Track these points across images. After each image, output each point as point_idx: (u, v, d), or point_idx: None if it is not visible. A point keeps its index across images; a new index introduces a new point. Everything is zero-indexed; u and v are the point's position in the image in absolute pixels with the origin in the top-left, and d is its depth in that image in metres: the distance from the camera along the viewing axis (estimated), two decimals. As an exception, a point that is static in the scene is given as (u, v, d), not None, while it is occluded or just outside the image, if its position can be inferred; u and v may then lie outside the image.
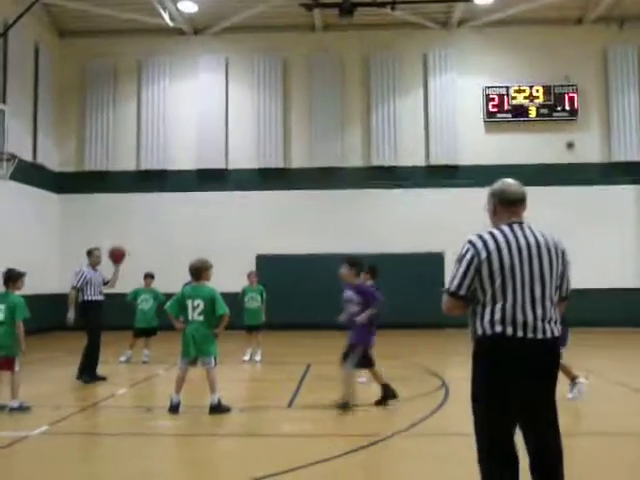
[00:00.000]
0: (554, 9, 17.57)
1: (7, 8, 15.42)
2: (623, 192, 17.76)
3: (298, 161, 18.32)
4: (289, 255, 17.44)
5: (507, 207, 3.37)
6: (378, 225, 17.57)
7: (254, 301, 11.38)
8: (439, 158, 18.04)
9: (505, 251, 3.20)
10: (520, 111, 18.00)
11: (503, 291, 3.18)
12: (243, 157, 18.26)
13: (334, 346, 13.56)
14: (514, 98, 18.00)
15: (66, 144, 18.73)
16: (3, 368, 6.97)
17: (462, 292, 3.23)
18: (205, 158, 18.29)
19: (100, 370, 9.24)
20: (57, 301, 14.29)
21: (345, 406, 6.86)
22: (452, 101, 18.12)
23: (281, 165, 18.24)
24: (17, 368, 6.98)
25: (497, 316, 3.18)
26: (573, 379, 7.37)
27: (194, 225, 17.84)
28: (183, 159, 18.36)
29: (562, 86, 17.91)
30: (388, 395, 7.14)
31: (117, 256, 9.41)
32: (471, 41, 18.31)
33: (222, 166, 18.31)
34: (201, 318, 6.96)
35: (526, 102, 17.98)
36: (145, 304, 11.28)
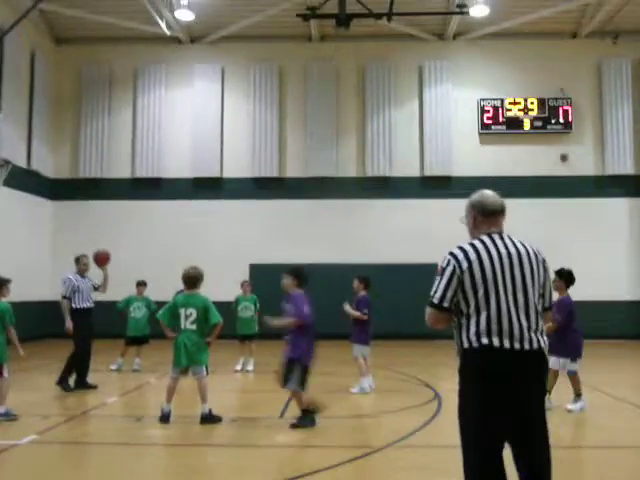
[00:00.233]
0: (549, 22, 17.72)
1: (3, 14, 15.43)
2: (617, 205, 17.84)
3: (293, 171, 18.33)
4: (283, 265, 17.22)
5: (487, 218, 3.36)
6: (372, 235, 17.57)
7: (247, 310, 11.32)
8: (434, 169, 18.09)
9: (487, 261, 3.19)
10: (514, 123, 18.09)
11: (487, 301, 3.16)
12: (238, 166, 18.26)
13: (327, 356, 13.51)
14: (509, 110, 18.09)
15: (61, 151, 18.69)
16: None
17: (446, 304, 3.21)
18: (200, 167, 18.27)
19: (91, 378, 9.16)
20: (49, 308, 14.21)
21: (313, 412, 6.65)
22: (447, 112, 18.19)
23: (276, 174, 18.25)
24: (5, 374, 6.92)
25: (482, 327, 3.14)
26: (579, 394, 7.39)
27: (188, 233, 17.80)
28: (178, 167, 18.35)
29: (556, 99, 18.02)
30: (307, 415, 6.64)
31: (101, 259, 9.30)
32: (466, 53, 18.41)
33: (217, 175, 18.30)
34: (194, 327, 6.92)
35: (521, 114, 18.08)
36: (137, 312, 11.22)
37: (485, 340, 3.12)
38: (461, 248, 3.26)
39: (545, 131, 18.09)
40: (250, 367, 11.14)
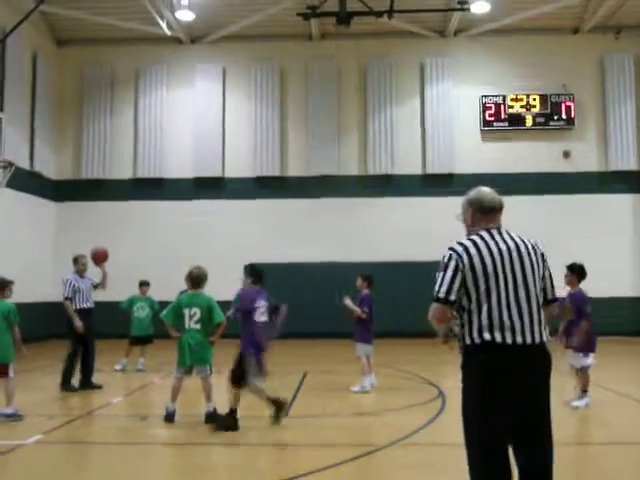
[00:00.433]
0: (551, 18, 17.67)
1: (5, 16, 15.45)
2: (620, 201, 17.79)
3: (295, 169, 18.33)
4: (285, 263, 17.39)
5: (485, 215, 3.37)
6: (374, 233, 17.56)
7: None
8: (435, 166, 18.07)
9: (487, 256, 3.19)
10: (517, 120, 18.06)
11: (488, 296, 3.16)
12: (240, 165, 18.27)
13: (330, 354, 13.54)
14: (511, 107, 18.05)
15: (63, 152, 18.72)
16: None
17: (452, 297, 3.18)
18: (202, 166, 18.29)
19: (95, 378, 9.19)
20: (53, 309, 14.24)
21: (279, 410, 6.59)
22: (449, 110, 18.17)
23: (278, 173, 18.25)
24: (12, 374, 6.94)
25: (484, 322, 3.14)
26: (585, 390, 7.45)
27: (190, 233, 17.81)
28: (180, 167, 18.36)
29: (559, 95, 17.97)
30: (231, 425, 6.47)
31: (99, 257, 9.30)
32: (468, 50, 18.38)
33: (219, 174, 18.31)
34: (198, 326, 6.93)
35: (523, 111, 18.04)
36: (141, 312, 11.24)
37: (487, 336, 3.12)
38: (461, 244, 3.27)
39: (547, 127, 18.05)
40: (254, 366, 11.13)
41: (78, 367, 9.09)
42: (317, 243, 17.49)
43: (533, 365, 3.17)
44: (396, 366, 11.30)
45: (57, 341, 10.34)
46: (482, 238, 3.27)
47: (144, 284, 11.56)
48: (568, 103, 17.96)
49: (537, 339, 3.16)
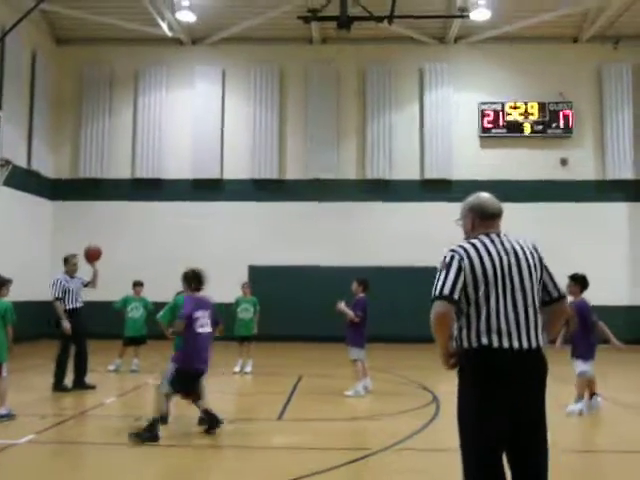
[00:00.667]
0: (550, 27, 17.75)
1: (4, 14, 15.44)
2: (617, 209, 17.85)
3: (293, 173, 18.34)
4: (282, 266, 17.41)
5: (485, 221, 3.38)
6: (372, 238, 17.57)
7: (247, 312, 11.33)
8: (434, 172, 18.10)
9: (487, 259, 3.20)
10: (515, 127, 18.11)
11: (487, 299, 3.16)
12: (238, 168, 18.27)
13: (326, 358, 13.53)
14: (509, 114, 18.11)
15: (61, 151, 18.69)
16: None
17: (456, 296, 3.15)
18: (200, 168, 18.28)
19: (89, 378, 9.16)
20: (48, 308, 14.18)
21: (154, 424, 6.19)
22: (447, 116, 18.21)
23: (276, 176, 18.25)
24: (4, 374, 6.90)
25: (482, 327, 3.14)
26: (581, 396, 7.54)
27: (187, 234, 17.79)
28: (178, 168, 18.35)
29: (557, 103, 18.04)
30: (151, 436, 6.11)
31: (92, 255, 9.28)
32: (467, 57, 18.44)
33: (217, 176, 18.30)
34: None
35: (521, 118, 18.10)
36: (135, 312, 11.22)
37: (485, 340, 3.12)
38: (461, 246, 3.27)
39: (545, 135, 18.11)
40: (248, 369, 11.14)
41: (71, 367, 9.06)
42: (315, 247, 17.49)
43: (529, 370, 3.17)
44: (393, 371, 11.30)
45: (50, 341, 10.30)
46: (482, 242, 3.27)
47: (138, 284, 11.53)
48: (566, 111, 18.03)
49: (534, 344, 3.16)
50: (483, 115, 18.16)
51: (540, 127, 18.08)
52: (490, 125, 18.15)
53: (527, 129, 18.09)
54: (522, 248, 3.29)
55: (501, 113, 18.14)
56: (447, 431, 6.32)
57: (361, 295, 9.00)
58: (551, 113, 18.05)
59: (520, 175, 17.67)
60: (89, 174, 18.42)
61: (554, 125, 18.05)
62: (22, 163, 16.53)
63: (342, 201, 17.98)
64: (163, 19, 17.03)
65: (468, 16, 16.04)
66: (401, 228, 17.54)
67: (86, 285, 9.41)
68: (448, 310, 3.15)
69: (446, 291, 3.15)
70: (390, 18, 15.19)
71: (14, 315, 7.02)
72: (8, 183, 14.63)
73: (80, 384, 8.98)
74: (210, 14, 17.24)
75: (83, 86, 18.68)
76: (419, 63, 18.48)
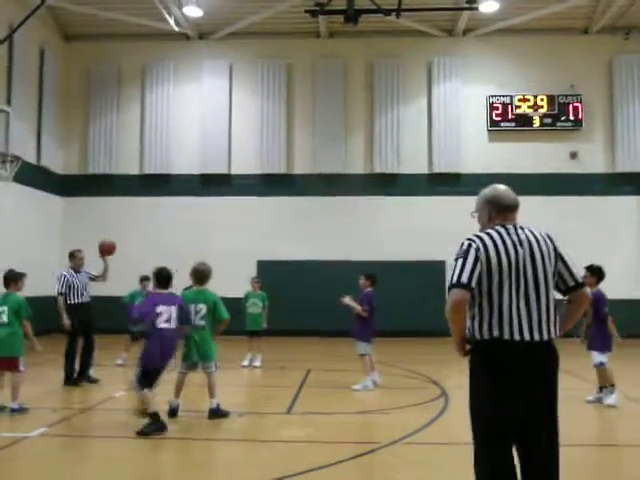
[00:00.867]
0: (559, 18, 17.60)
1: (12, 11, 15.49)
2: (627, 203, 17.71)
3: (301, 167, 18.32)
4: (291, 261, 17.42)
5: (502, 213, 3.38)
6: (380, 232, 17.54)
7: (255, 307, 11.37)
8: (442, 166, 18.03)
9: (502, 249, 3.20)
10: (524, 120, 17.99)
11: (500, 290, 3.16)
12: (246, 162, 18.27)
13: (334, 352, 13.54)
14: (518, 107, 17.99)
15: (70, 147, 18.76)
16: (6, 368, 6.97)
17: (473, 284, 3.15)
18: (208, 163, 18.30)
19: (96, 373, 9.23)
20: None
21: (156, 418, 6.23)
22: (456, 109, 18.12)
23: (284, 171, 18.24)
24: (22, 368, 6.99)
25: (495, 318, 3.14)
26: (603, 387, 7.65)
27: (196, 229, 17.83)
28: (186, 164, 18.38)
29: (566, 96, 17.90)
30: (158, 427, 6.16)
31: (105, 250, 9.32)
32: (476, 50, 18.33)
33: (225, 171, 18.32)
34: (203, 322, 6.94)
35: (530, 111, 17.97)
36: (142, 307, 11.23)
37: (496, 332, 3.13)
38: (478, 236, 3.27)
39: (555, 128, 17.98)
40: (257, 363, 11.17)
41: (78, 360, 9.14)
42: (323, 241, 17.50)
43: (540, 362, 3.16)
44: (401, 365, 11.29)
45: (58, 335, 10.39)
46: (498, 232, 3.27)
47: (145, 279, 11.54)
48: (576, 104, 17.89)
49: (545, 336, 3.16)
50: (492, 108, 18.05)
51: (549, 120, 17.95)
52: (499, 118, 18.04)
53: (536, 122, 17.97)
54: (536, 238, 3.28)
55: (510, 106, 18.02)
56: (456, 424, 6.33)
57: (369, 290, 8.99)
58: (560, 106, 17.91)
59: (529, 168, 17.56)
60: (98, 170, 18.48)
61: (563, 118, 17.92)
62: (31, 159, 16.61)
63: (350, 195, 17.95)
64: (170, 14, 17.03)
65: (477, 8, 15.94)
66: (409, 222, 17.50)
67: (94, 279, 9.47)
68: (465, 298, 3.14)
69: (464, 279, 3.14)
70: (398, 11, 15.11)
71: (29, 309, 7.09)
72: (18, 179, 14.69)
73: (83, 377, 9.05)
74: (217, 9, 17.21)
75: (91, 82, 18.72)
76: (427, 56, 18.38)
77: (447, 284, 3.23)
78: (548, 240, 3.32)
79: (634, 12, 17.13)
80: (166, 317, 6.48)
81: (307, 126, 18.37)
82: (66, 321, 8.97)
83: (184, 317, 6.63)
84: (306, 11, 15.41)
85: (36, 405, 7.23)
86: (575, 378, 9.10)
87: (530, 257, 3.21)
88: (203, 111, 18.41)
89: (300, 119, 18.47)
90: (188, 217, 17.99)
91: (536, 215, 15.72)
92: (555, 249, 3.31)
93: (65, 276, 9.17)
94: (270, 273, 16.22)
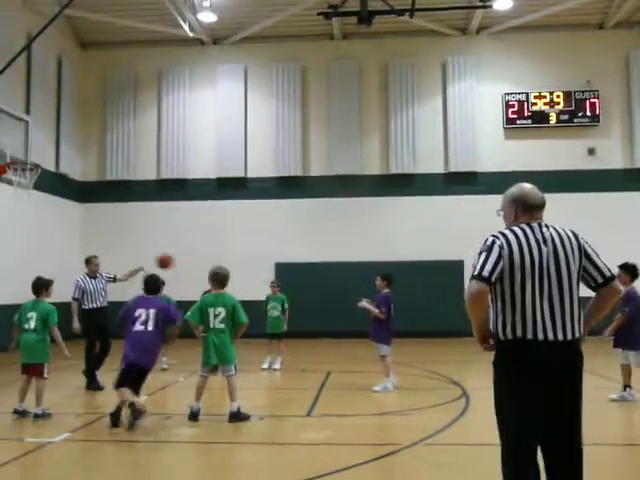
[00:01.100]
0: (574, 14, 17.45)
1: (30, 21, 15.72)
2: (646, 198, 17.50)
3: (317, 169, 18.35)
4: (308, 263, 17.44)
5: (528, 211, 3.36)
6: (397, 233, 17.50)
7: (275, 310, 11.42)
8: (458, 165, 17.95)
9: (525, 247, 3.18)
10: (540, 117, 17.86)
11: (522, 288, 3.14)
12: (262, 165, 18.34)
13: (354, 354, 13.53)
14: (534, 104, 17.86)
15: (88, 154, 18.98)
16: (33, 374, 7.08)
17: (493, 278, 3.13)
18: (224, 167, 18.40)
19: (109, 378, 9.33)
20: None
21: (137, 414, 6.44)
22: (471, 108, 18.04)
23: (300, 173, 18.29)
24: (46, 375, 7.08)
25: (517, 318, 3.13)
26: (626, 387, 7.63)
27: (213, 233, 17.93)
28: (202, 168, 18.50)
29: (583, 92, 17.73)
30: (137, 414, 6.39)
31: (162, 263, 9.25)
32: (490, 47, 18.24)
33: (241, 174, 18.41)
34: (222, 326, 6.97)
35: (546, 108, 17.84)
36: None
37: (519, 332, 3.12)
38: (502, 233, 3.26)
39: (572, 124, 17.82)
40: (277, 365, 11.20)
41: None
42: (339, 243, 17.51)
43: (564, 362, 3.15)
44: (420, 366, 11.26)
45: (79, 340, 10.51)
46: (522, 230, 3.26)
47: (161, 283, 11.60)
48: (593, 100, 17.72)
49: (569, 335, 3.14)
50: (507, 106, 17.94)
51: (566, 117, 17.80)
52: (515, 116, 17.93)
53: (553, 119, 17.82)
54: (560, 237, 3.26)
55: (526, 103, 17.90)
56: (478, 425, 6.30)
57: (386, 291, 8.95)
58: (577, 102, 17.75)
59: (546, 166, 17.41)
60: (116, 176, 18.67)
61: (580, 114, 17.76)
62: (50, 167, 16.82)
63: (366, 196, 17.95)
64: (184, 20, 17.16)
65: (491, 6, 15.84)
66: (426, 222, 17.45)
67: (114, 280, 9.59)
68: (483, 291, 3.12)
69: (485, 273, 3.12)
70: (411, 11, 15.07)
71: (55, 317, 7.20)
72: (37, 186, 14.88)
73: (91, 382, 9.13)
74: (231, 13, 17.32)
75: (107, 89, 18.93)
76: (441, 56, 18.33)
77: (466, 282, 3.22)
78: (573, 237, 3.28)
79: (650, 6, 16.94)
80: (143, 320, 6.71)
81: (322, 128, 18.40)
82: (75, 325, 9.14)
83: (168, 319, 6.83)
84: (319, 13, 15.42)
85: (59, 410, 7.31)
86: (596, 376, 9.01)
87: (554, 255, 3.19)
88: (218, 115, 18.52)
89: (315, 121, 18.50)
90: (205, 221, 18.10)
91: (554, 213, 15.56)
92: (580, 246, 3.27)
93: (79, 282, 9.35)
94: (287, 275, 16.27)
